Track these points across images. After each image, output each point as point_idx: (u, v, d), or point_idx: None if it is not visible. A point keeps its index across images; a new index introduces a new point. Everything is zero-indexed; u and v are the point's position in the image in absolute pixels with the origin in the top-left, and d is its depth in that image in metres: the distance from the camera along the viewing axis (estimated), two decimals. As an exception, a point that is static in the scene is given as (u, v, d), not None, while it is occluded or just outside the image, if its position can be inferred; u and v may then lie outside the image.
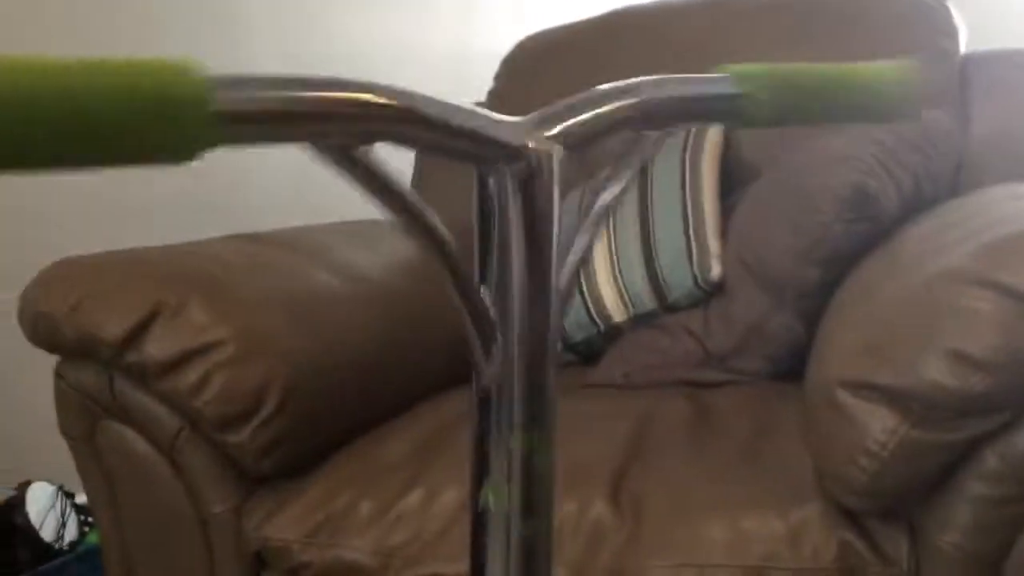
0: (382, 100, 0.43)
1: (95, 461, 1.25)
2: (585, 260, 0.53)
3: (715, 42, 1.73)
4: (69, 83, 0.34)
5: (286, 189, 2.26)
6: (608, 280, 1.45)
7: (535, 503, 0.51)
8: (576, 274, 0.53)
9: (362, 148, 0.44)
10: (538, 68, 1.90)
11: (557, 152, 0.49)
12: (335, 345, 1.32)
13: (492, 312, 0.50)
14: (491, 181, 0.49)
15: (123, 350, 1.16)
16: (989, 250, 0.92)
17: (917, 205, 1.26)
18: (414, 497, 1.15)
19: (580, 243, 0.53)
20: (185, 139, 0.36)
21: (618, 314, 1.45)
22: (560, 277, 0.50)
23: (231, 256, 1.33)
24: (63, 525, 2.13)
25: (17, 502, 2.07)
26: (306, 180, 2.16)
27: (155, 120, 0.36)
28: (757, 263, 1.33)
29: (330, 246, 1.53)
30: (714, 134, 1.50)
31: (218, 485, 1.22)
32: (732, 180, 1.51)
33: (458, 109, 0.46)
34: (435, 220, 0.47)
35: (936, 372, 0.88)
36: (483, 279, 0.50)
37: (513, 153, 0.47)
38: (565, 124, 0.50)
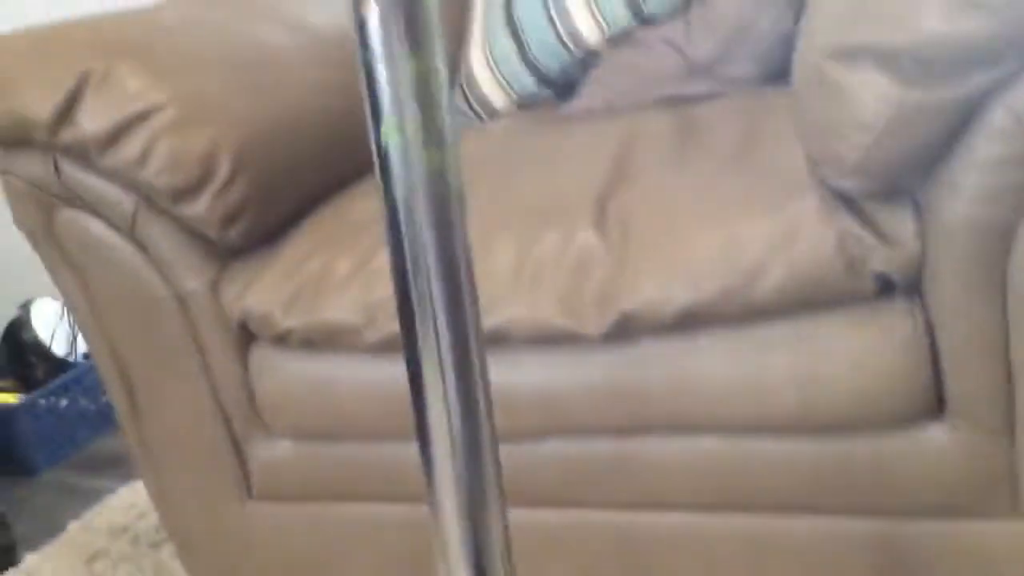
0: None
1: (60, 253, 1.20)
2: None
3: None
4: None
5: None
6: (579, 1, 1.32)
7: (434, 132, 0.46)
8: None
9: None
10: None
11: None
12: (291, 105, 1.23)
13: None
14: None
15: (57, 129, 1.08)
16: None
17: None
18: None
19: None
20: None
21: (592, 36, 1.33)
22: None
23: (164, 17, 1.21)
24: (74, 338, 2.12)
25: (23, 320, 2.06)
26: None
27: None
28: (738, -46, 1.20)
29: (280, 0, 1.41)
30: None
31: (188, 261, 1.16)
32: None
33: None
34: None
35: (929, 20, 0.77)
36: None
37: None
38: None
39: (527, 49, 1.37)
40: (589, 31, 1.33)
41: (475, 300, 0.49)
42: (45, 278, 1.24)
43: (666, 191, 1.04)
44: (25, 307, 2.09)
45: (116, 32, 1.14)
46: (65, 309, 1.98)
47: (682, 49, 1.27)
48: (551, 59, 1.36)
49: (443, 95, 0.46)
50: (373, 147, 0.47)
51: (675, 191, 1.03)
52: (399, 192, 0.47)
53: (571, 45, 1.35)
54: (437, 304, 0.48)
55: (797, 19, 1.12)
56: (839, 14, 0.87)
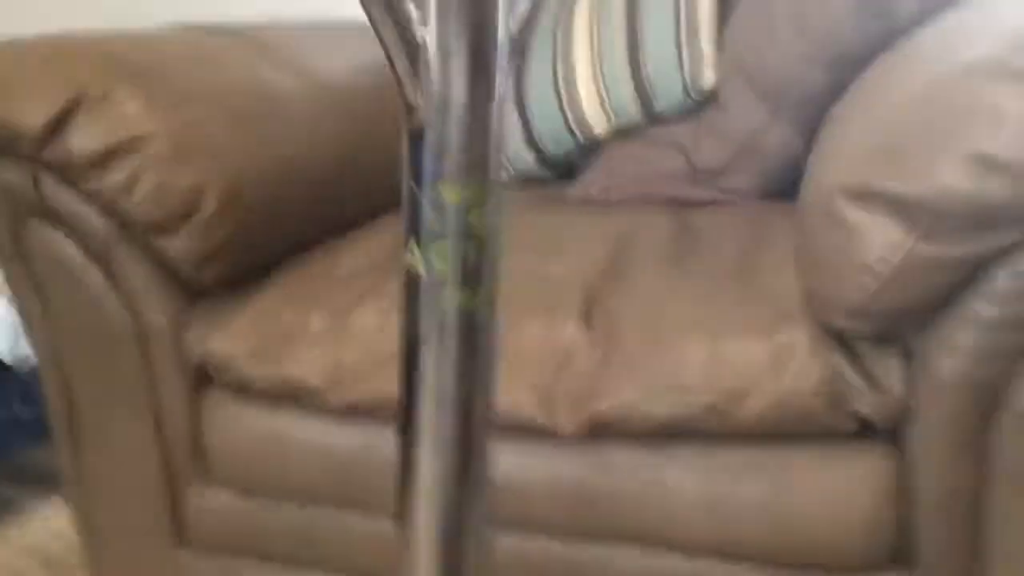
0: None
1: (24, 266, 1.15)
2: None
3: None
4: None
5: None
6: (589, 87, 1.31)
7: (471, 269, 0.42)
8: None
9: None
10: None
11: None
12: (285, 150, 1.20)
13: (420, 33, 0.39)
14: None
15: (45, 142, 1.04)
16: (1019, 38, 0.80)
17: (938, 5, 1.12)
18: (368, 310, 1.06)
19: None
20: None
21: (599, 125, 1.32)
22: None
23: (170, 44, 1.19)
24: (16, 339, 2.05)
25: (-33, 319, 1.98)
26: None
27: None
28: (757, 69, 1.20)
29: (290, 45, 1.39)
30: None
31: (156, 295, 1.12)
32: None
33: None
34: None
35: (951, 176, 0.77)
36: None
37: None
38: None
39: (532, 128, 1.36)
40: (597, 120, 1.32)
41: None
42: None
43: (658, 296, 1.02)
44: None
45: (121, 53, 1.11)
46: (15, 313, 1.91)
47: (688, 152, 1.26)
48: (555, 142, 1.35)
49: (490, 233, 0.42)
50: (402, 272, 0.44)
51: (667, 298, 1.02)
52: (422, 329, 0.43)
53: (577, 131, 1.34)
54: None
55: (806, 144, 1.12)
56: (857, 153, 0.87)
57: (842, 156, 0.90)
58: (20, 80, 1.06)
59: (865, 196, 0.83)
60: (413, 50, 0.39)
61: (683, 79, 1.26)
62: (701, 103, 1.27)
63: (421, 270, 0.42)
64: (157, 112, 1.06)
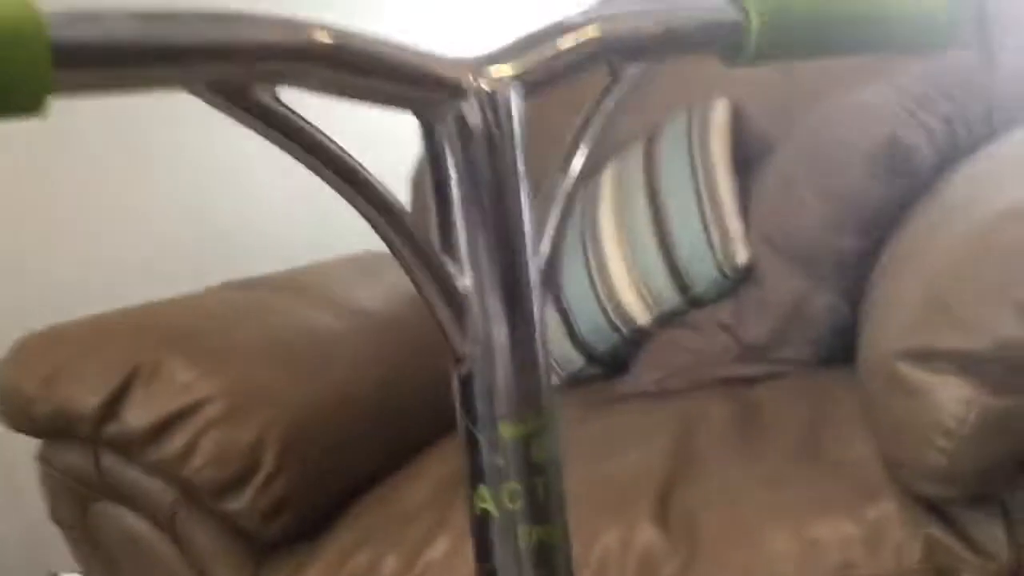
0: (269, 29, 0.35)
1: (92, 546, 1.15)
2: (568, 212, 0.44)
3: None
4: None
5: (289, 227, 2.15)
6: (625, 279, 1.32)
7: (541, 503, 0.41)
8: (562, 229, 0.43)
9: (260, 90, 0.35)
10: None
11: (515, 91, 0.40)
12: (336, 390, 1.21)
13: (461, 284, 0.41)
14: (437, 131, 0.39)
15: (102, 423, 1.06)
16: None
17: (954, 154, 1.13)
18: (440, 546, 1.03)
19: (559, 192, 0.44)
20: (24, 84, 0.30)
21: (641, 316, 1.33)
22: (541, 236, 0.42)
23: (215, 305, 1.22)
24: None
25: (40, 598, 1.97)
26: (311, 216, 2.05)
27: None
28: (785, 240, 1.21)
29: (328, 283, 1.43)
30: (720, 106, 1.38)
31: (226, 557, 1.10)
32: (747, 155, 1.38)
33: (384, 43, 0.37)
34: (365, 171, 0.38)
35: (1011, 326, 0.76)
36: (446, 248, 0.41)
37: (458, 93, 0.38)
38: (524, 58, 0.41)
39: (575, 328, 1.36)
40: (637, 310, 1.33)
41: None
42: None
43: (731, 484, 0.99)
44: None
45: (167, 321, 1.14)
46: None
47: (734, 331, 1.26)
48: (601, 339, 1.35)
49: (552, 461, 0.42)
50: (469, 513, 0.43)
51: (741, 485, 0.99)
52: (498, 565, 0.42)
53: (620, 324, 1.34)
54: None
55: (852, 307, 1.11)
56: (909, 313, 0.86)
57: (894, 317, 0.89)
58: (72, 365, 1.09)
59: (927, 357, 0.81)
60: (455, 302, 0.41)
61: (715, 258, 1.27)
62: (738, 280, 1.28)
63: (491, 510, 0.42)
64: (209, 375, 1.08)
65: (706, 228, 1.28)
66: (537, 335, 0.41)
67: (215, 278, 1.38)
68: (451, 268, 0.41)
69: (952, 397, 0.80)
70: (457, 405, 0.43)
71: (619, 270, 1.32)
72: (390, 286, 1.46)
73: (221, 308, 1.24)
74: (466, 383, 0.42)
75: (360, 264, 1.55)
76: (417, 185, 1.66)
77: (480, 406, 0.42)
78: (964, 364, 0.79)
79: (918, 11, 0.51)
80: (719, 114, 1.37)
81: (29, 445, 1.16)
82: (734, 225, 1.28)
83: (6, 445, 1.29)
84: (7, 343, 1.16)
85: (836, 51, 0.50)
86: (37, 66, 0.30)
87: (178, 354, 1.08)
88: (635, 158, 1.40)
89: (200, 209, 1.92)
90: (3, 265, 1.64)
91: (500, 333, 0.41)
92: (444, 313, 0.41)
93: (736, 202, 1.32)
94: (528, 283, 0.41)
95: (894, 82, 1.14)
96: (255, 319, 1.24)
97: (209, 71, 0.34)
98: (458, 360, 0.42)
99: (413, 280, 0.41)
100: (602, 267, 1.35)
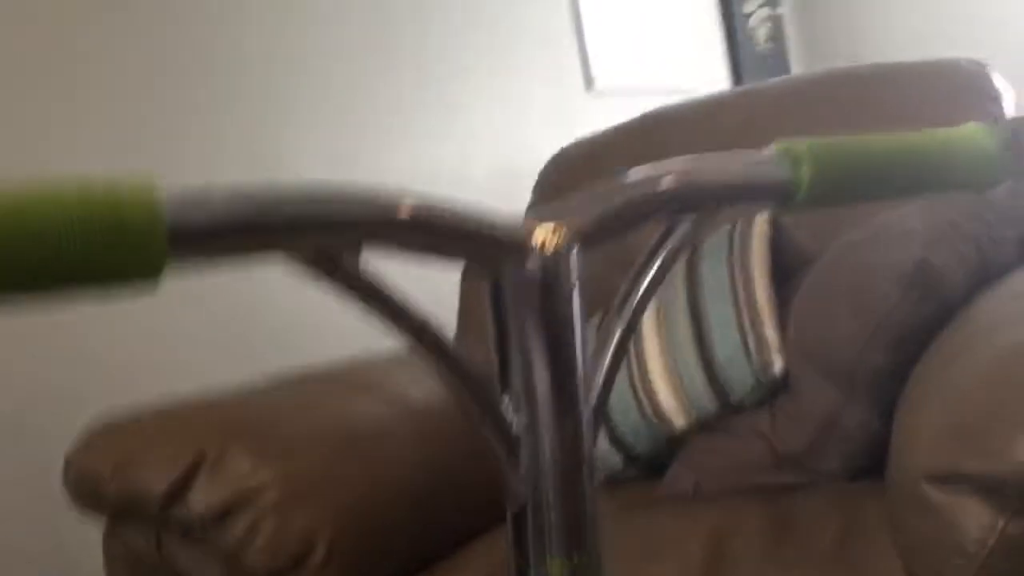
0: (358, 203, 0.39)
1: (147, 625, 1.20)
2: (619, 358, 0.48)
3: (755, 130, 1.68)
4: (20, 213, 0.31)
5: (344, 316, 2.22)
6: (665, 385, 1.38)
7: None
8: (612, 375, 0.47)
9: (348, 257, 0.40)
10: (575, 176, 1.88)
11: (571, 247, 0.44)
12: (386, 480, 1.26)
13: (515, 424, 0.45)
14: (502, 285, 0.45)
15: (168, 505, 1.12)
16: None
17: (984, 277, 1.18)
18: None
19: (612, 339, 0.48)
20: (142, 266, 0.33)
21: (679, 420, 1.37)
22: (592, 381, 0.46)
23: (273, 397, 1.29)
24: None
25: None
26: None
27: (106, 250, 0.32)
28: (820, 352, 1.26)
29: (378, 374, 1.49)
30: (761, 220, 1.44)
31: (275, 641, 1.15)
32: (786, 267, 1.44)
33: (449, 208, 0.42)
34: (436, 327, 0.43)
35: (1031, 454, 0.79)
36: (504, 391, 0.45)
37: (521, 251, 0.43)
38: (579, 215, 0.45)
39: (615, 429, 1.41)
40: (676, 414, 1.37)
41: None
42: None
43: (763, 592, 1.02)
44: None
45: (231, 412, 1.21)
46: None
47: (769, 439, 1.30)
48: (639, 439, 1.40)
49: None
50: None
51: (773, 593, 1.02)
52: None
53: (659, 427, 1.39)
54: None
55: (884, 423, 1.15)
56: (934, 435, 0.90)
57: (920, 439, 0.93)
58: (142, 449, 1.16)
59: (950, 479, 0.85)
60: (511, 444, 0.44)
61: (753, 368, 1.32)
62: (774, 388, 1.32)
63: None
64: (268, 464, 1.14)
65: (744, 337, 1.33)
66: (586, 476, 0.44)
67: (270, 364, 1.45)
68: (507, 412, 0.44)
69: (972, 520, 0.83)
70: (508, 539, 0.46)
71: (660, 375, 1.37)
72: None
73: (278, 399, 1.31)
74: (517, 520, 0.45)
75: (410, 356, 1.61)
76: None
77: (530, 542, 0.45)
78: (986, 489, 0.82)
79: (966, 152, 0.52)
80: (760, 226, 1.43)
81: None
82: (771, 335, 1.33)
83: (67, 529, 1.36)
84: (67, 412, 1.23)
85: (886, 196, 0.51)
86: (152, 252, 0.32)
87: (240, 442, 1.15)
88: (678, 267, 1.46)
89: (254, 298, 1.98)
90: (64, 342, 1.69)
91: (554, 476, 0.44)
92: (500, 452, 0.45)
93: (774, 313, 1.37)
94: (581, 426, 0.44)
95: (929, 205, 1.20)
96: (312, 410, 1.30)
97: (310, 243, 0.38)
98: (511, 498, 0.45)
99: (471, 420, 0.45)
100: (643, 370, 1.40)
